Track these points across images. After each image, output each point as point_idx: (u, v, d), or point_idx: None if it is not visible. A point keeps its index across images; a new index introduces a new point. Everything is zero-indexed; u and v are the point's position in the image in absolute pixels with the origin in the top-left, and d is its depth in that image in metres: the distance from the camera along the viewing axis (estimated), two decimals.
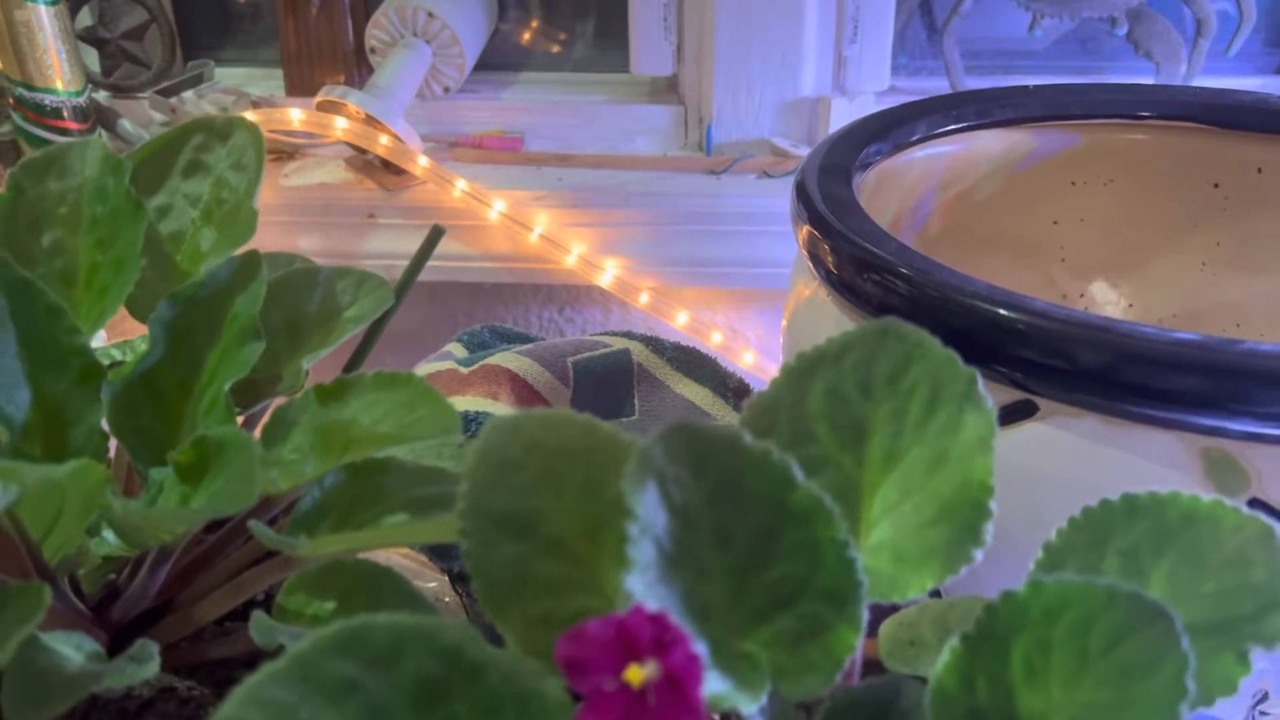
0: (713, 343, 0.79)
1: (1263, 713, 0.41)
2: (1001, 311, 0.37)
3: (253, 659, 0.35)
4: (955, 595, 0.33)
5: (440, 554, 0.48)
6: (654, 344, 0.58)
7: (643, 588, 0.24)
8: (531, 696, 0.24)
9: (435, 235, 0.41)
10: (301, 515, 0.31)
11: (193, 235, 0.38)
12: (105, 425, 0.34)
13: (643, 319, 0.86)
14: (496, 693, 0.23)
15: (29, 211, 0.36)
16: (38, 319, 0.33)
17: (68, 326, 0.33)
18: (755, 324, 0.85)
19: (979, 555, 0.26)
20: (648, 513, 0.25)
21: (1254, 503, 0.35)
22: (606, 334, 0.59)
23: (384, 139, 0.79)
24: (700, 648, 0.25)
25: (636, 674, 0.22)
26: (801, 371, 0.30)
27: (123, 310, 0.37)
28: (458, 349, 0.61)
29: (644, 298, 0.80)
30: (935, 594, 0.44)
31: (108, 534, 0.34)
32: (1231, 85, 0.90)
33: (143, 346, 0.35)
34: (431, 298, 0.88)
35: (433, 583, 0.49)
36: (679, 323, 0.80)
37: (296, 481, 0.32)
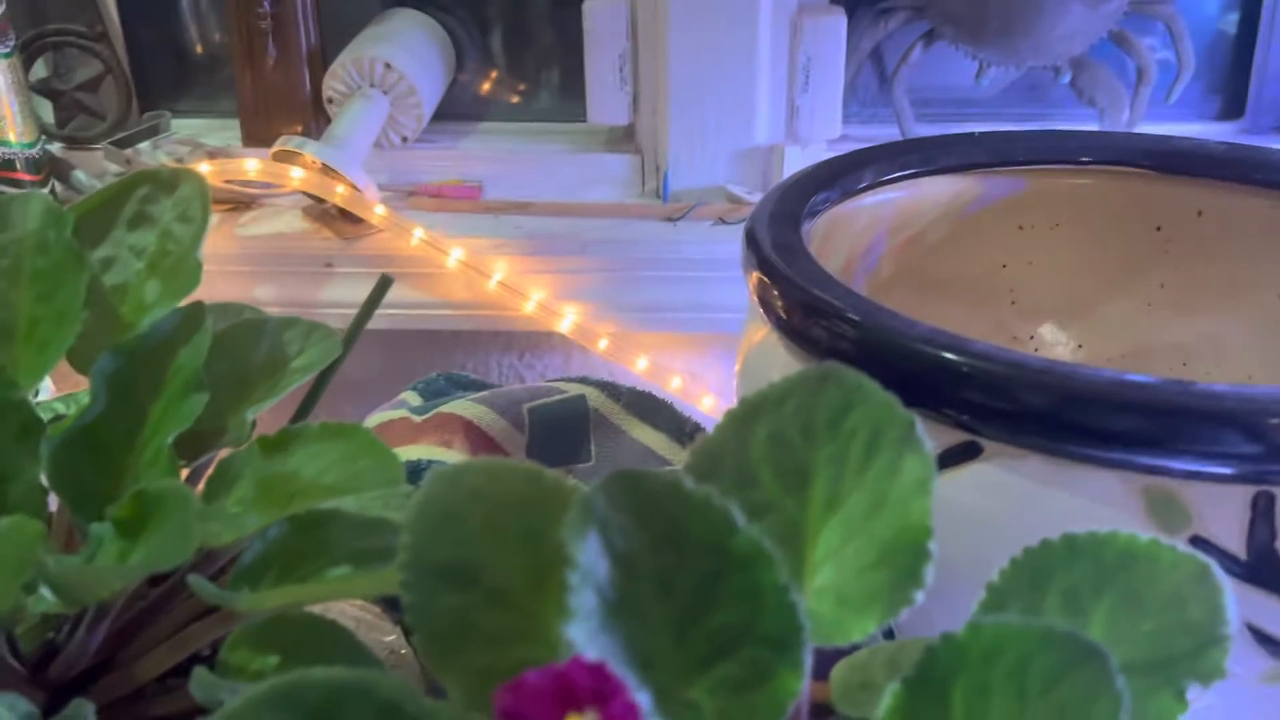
0: (672, 387, 0.80)
1: None
2: (945, 354, 0.37)
3: (194, 715, 0.35)
4: (907, 636, 0.33)
5: (394, 605, 0.48)
6: (610, 389, 0.58)
7: (584, 637, 0.24)
8: None
9: (384, 284, 0.41)
10: (244, 569, 0.31)
11: (137, 287, 0.38)
12: (45, 480, 0.33)
13: (603, 364, 0.86)
14: None
15: None
16: None
17: (4, 381, 0.33)
18: (714, 368, 0.86)
19: (920, 597, 0.26)
20: (589, 561, 0.25)
21: (1195, 540, 0.36)
22: (562, 380, 0.59)
23: (340, 188, 0.80)
24: (643, 697, 0.25)
25: None
26: (745, 416, 0.30)
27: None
28: (412, 397, 0.61)
29: (603, 343, 0.80)
30: (889, 634, 0.45)
31: (46, 590, 0.33)
32: (1173, 130, 0.93)
33: (85, 399, 0.34)
34: (389, 346, 0.88)
35: (389, 635, 0.48)
36: (639, 367, 0.80)
37: (240, 535, 0.32)
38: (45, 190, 0.84)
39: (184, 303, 0.37)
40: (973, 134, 0.63)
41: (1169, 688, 0.25)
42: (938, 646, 0.24)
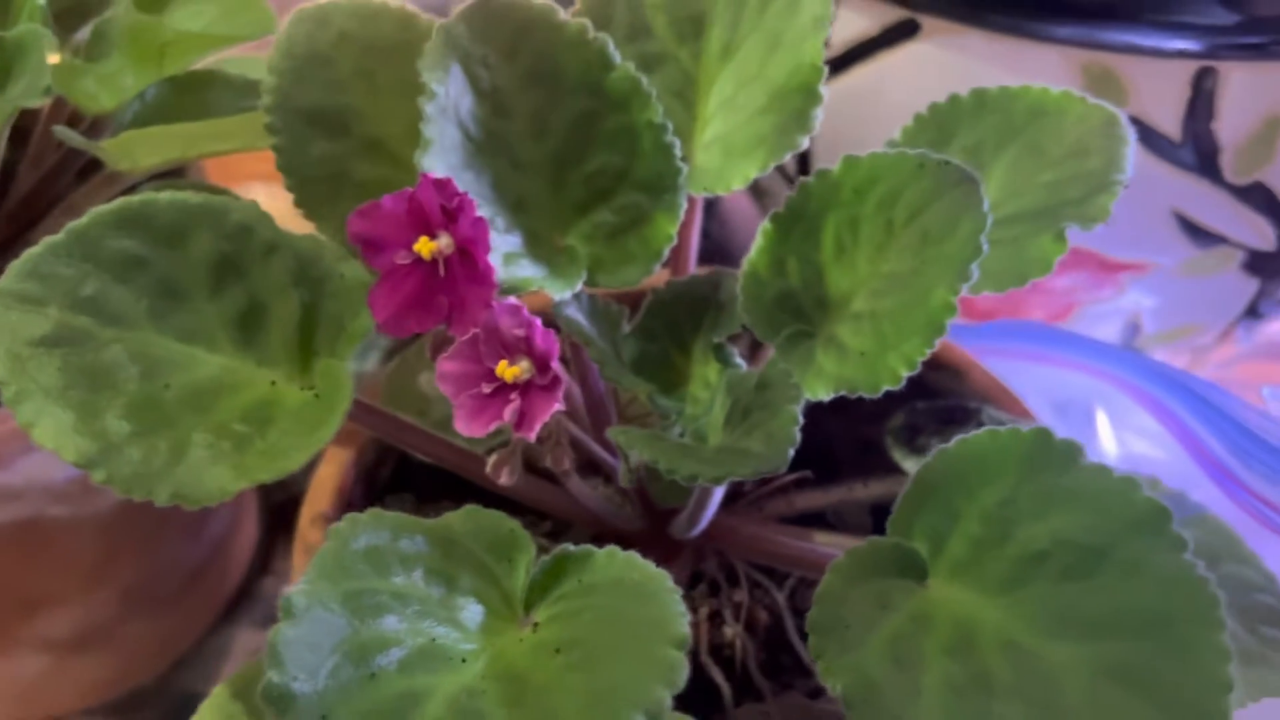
0: None
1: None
2: None
3: None
4: None
5: None
6: None
7: (445, 171, 0.23)
8: (329, 277, 0.23)
9: None
10: (121, 127, 0.30)
11: None
12: None
13: None
14: (295, 272, 0.23)
15: None
16: None
17: None
18: None
19: (805, 142, 0.25)
20: (451, 93, 0.23)
21: (1131, 121, 0.34)
22: None
23: None
24: (514, 239, 0.25)
25: (426, 245, 0.21)
26: None
27: None
28: None
29: None
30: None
31: None
32: None
33: None
34: None
35: None
36: None
37: (119, 97, 0.30)
38: None
39: None
40: None
41: (1050, 230, 0.24)
42: (811, 183, 0.23)
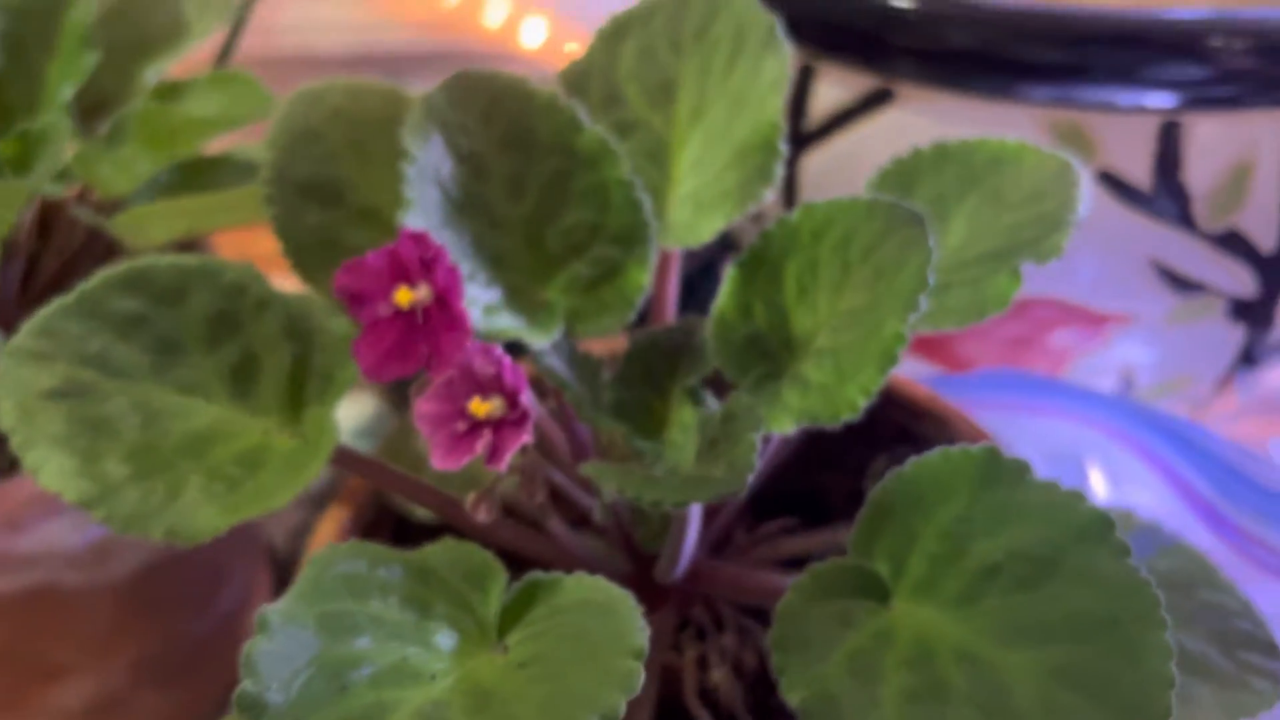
0: None
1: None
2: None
3: None
4: None
5: None
6: None
7: (426, 229, 0.25)
8: (318, 331, 0.24)
9: None
10: (134, 209, 0.32)
11: None
12: None
13: None
14: (286, 327, 0.24)
15: None
16: None
17: None
18: None
19: (769, 195, 0.26)
20: (431, 158, 0.25)
21: (1103, 176, 0.35)
22: None
23: None
24: (494, 294, 0.26)
25: (405, 295, 0.23)
26: (613, 34, 0.29)
27: None
28: None
29: None
30: None
31: None
32: None
33: None
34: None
35: None
36: None
37: (134, 180, 0.32)
38: None
39: None
40: None
41: (1007, 268, 0.25)
42: (772, 229, 0.25)
